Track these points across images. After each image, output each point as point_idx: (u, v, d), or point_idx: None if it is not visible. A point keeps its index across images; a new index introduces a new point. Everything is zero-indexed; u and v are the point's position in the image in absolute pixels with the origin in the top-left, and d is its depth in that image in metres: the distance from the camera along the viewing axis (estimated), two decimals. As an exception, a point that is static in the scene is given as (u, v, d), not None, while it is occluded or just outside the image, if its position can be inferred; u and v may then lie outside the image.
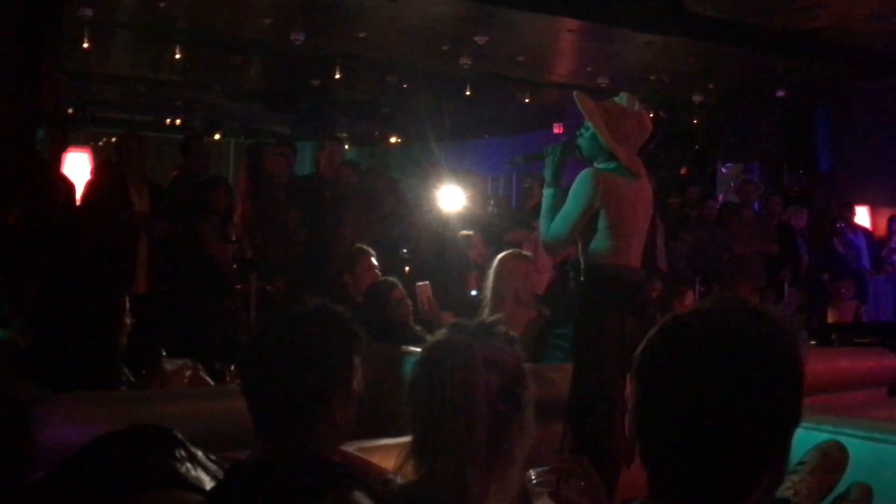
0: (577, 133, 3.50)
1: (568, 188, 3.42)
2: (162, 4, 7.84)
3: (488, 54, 9.17)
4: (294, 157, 7.58)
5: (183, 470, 2.06)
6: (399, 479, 1.86)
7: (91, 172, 6.51)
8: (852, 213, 10.04)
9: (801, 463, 2.58)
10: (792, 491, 2.48)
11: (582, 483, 1.89)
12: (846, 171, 10.63)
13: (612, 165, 3.38)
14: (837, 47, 9.01)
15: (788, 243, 8.94)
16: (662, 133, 10.14)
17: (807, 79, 9.93)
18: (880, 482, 2.62)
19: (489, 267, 4.64)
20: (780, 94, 10.34)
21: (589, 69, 9.83)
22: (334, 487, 1.69)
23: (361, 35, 8.65)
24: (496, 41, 8.65)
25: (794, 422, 1.25)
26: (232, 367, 3.76)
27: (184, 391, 3.37)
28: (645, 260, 3.60)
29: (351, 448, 2.35)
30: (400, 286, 4.88)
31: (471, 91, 10.67)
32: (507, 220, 7.95)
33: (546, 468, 1.90)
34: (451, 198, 6.83)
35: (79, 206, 5.92)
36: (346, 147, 10.79)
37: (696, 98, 10.73)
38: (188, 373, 3.54)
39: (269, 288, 6.74)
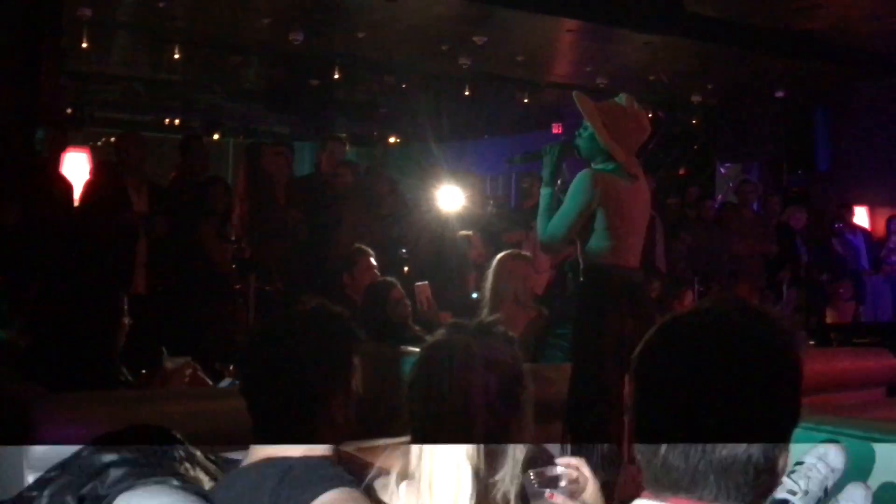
0: (576, 133, 3.51)
1: (567, 188, 3.43)
2: (161, 4, 7.83)
3: (487, 54, 9.17)
4: (292, 156, 7.57)
5: (182, 470, 2.06)
6: (398, 479, 1.86)
7: (90, 172, 6.50)
8: (851, 213, 10.04)
9: (800, 463, 2.58)
10: (791, 491, 2.48)
11: (581, 483, 1.89)
12: (845, 172, 10.62)
13: (610, 166, 3.38)
14: (836, 47, 9.01)
15: (787, 243, 8.94)
16: (661, 133, 10.14)
17: (806, 79, 9.93)
18: (880, 482, 2.62)
19: (488, 267, 4.64)
20: (779, 94, 10.34)
21: (588, 69, 9.81)
22: (333, 487, 1.69)
23: (360, 35, 8.64)
24: (495, 41, 8.65)
25: (792, 421, 1.25)
26: (231, 367, 3.76)
27: (184, 391, 3.37)
28: (644, 260, 3.61)
29: (350, 448, 2.35)
30: (399, 286, 4.88)
31: (470, 91, 10.65)
32: (506, 220, 7.94)
33: (546, 468, 1.90)
34: (450, 198, 6.82)
35: (78, 206, 5.92)
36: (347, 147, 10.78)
37: (696, 98, 10.72)
38: (189, 371, 3.55)
39: (268, 288, 6.72)
